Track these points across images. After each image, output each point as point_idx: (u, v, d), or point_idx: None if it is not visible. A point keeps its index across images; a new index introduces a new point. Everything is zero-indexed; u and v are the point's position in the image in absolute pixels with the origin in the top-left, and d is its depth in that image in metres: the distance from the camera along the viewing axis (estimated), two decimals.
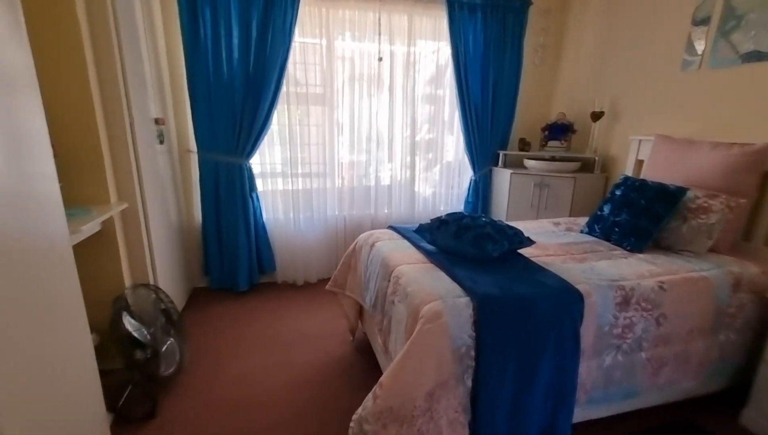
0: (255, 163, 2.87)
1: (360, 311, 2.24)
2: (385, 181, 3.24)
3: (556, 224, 2.40)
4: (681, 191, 1.92)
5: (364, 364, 2.09)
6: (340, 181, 3.16)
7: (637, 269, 1.68)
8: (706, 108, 2.22)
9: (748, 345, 1.77)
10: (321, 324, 2.49)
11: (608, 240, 2.06)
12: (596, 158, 2.92)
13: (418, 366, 1.28)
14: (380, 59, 3.00)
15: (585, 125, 3.03)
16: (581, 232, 2.24)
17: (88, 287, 1.82)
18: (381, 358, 1.85)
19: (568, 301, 1.46)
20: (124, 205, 1.91)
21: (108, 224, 1.84)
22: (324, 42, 2.85)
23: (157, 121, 2.30)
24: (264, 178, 2.97)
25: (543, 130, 3.21)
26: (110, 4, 1.77)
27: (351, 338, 2.29)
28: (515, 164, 3.28)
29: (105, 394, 1.54)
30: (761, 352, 1.67)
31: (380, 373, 1.55)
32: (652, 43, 2.52)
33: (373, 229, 3.13)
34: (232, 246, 2.81)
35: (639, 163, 2.58)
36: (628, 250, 1.93)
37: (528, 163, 3.09)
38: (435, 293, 1.42)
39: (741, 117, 2.05)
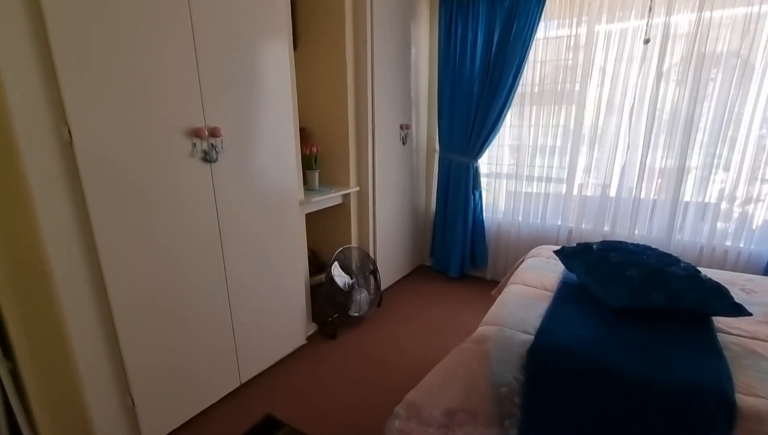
0: (483, 162, 3.05)
1: None
2: (636, 193, 2.58)
3: None
4: None
5: None
6: (578, 189, 2.80)
7: None
8: None
9: None
10: None
11: None
12: None
13: (444, 379, 1.24)
14: (647, 41, 2.38)
15: None
16: None
17: (331, 238, 2.75)
18: None
19: (697, 410, 0.92)
20: (357, 189, 2.66)
21: (346, 200, 2.65)
22: (573, 31, 2.60)
23: (402, 127, 2.94)
24: (490, 178, 3.10)
25: None
26: (370, 52, 2.47)
27: None
28: None
29: (318, 314, 2.38)
30: None
31: None
32: None
33: None
34: (450, 235, 3.16)
35: None
36: None
37: None
38: (502, 319, 1.27)
39: None
